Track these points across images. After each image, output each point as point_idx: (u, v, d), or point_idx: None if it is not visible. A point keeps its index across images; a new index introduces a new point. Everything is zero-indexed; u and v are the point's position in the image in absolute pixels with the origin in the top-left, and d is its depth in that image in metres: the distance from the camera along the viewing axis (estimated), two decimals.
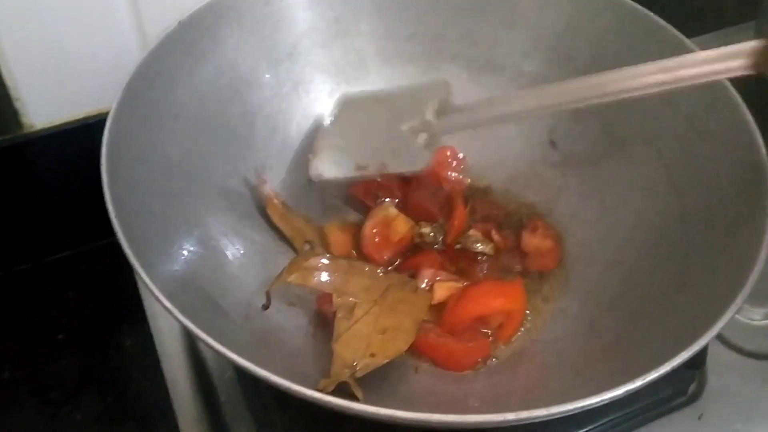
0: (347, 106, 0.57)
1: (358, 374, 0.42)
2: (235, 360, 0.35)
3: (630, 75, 0.44)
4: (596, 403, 0.34)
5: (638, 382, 0.34)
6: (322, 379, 0.42)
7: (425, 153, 0.51)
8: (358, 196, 0.55)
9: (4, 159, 0.59)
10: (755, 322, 0.54)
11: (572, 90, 0.46)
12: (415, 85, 0.58)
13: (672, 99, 0.51)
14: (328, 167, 0.54)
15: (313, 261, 0.48)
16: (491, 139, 0.59)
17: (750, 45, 0.41)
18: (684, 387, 0.50)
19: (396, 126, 0.53)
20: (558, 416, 0.34)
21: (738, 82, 0.48)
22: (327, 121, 0.57)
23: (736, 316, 0.53)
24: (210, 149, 0.52)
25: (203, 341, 0.36)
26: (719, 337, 0.53)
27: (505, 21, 0.58)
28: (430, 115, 0.52)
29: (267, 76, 0.57)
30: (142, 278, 0.38)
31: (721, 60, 0.42)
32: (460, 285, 0.50)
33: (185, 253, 0.46)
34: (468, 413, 0.33)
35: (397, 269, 0.53)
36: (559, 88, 0.47)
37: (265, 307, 0.45)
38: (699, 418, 0.49)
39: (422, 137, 0.52)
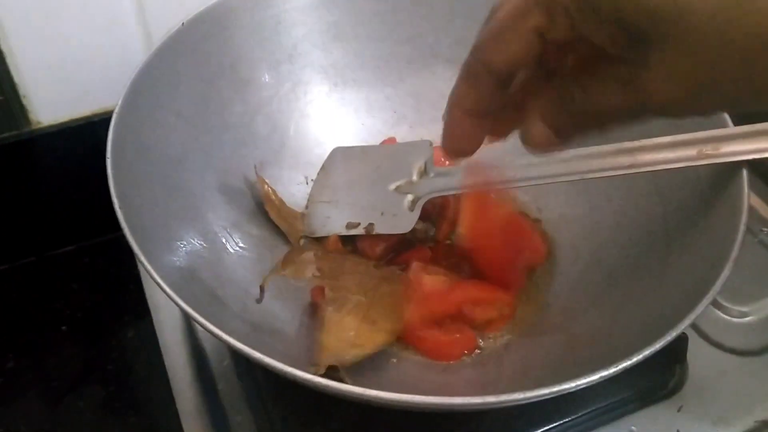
0: (338, 160, 0.58)
1: (347, 363, 0.42)
2: (232, 344, 0.36)
3: (597, 153, 0.47)
4: (572, 387, 0.35)
5: (611, 369, 0.35)
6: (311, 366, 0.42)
7: (410, 215, 0.53)
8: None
9: (10, 155, 0.60)
10: (736, 320, 0.55)
11: (545, 163, 0.48)
12: (401, 144, 0.60)
13: None
14: (321, 225, 0.55)
15: (306, 255, 0.49)
16: None
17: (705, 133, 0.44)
18: (665, 380, 0.51)
19: (384, 186, 0.55)
20: (536, 399, 0.35)
21: None
22: (319, 174, 0.58)
23: (719, 313, 0.55)
24: (211, 147, 0.53)
25: (203, 326, 0.37)
26: (700, 333, 0.54)
27: None
28: (415, 177, 0.54)
29: (267, 76, 0.58)
30: (145, 267, 0.39)
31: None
32: (448, 279, 0.51)
33: (186, 245, 0.47)
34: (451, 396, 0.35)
35: (388, 264, 0.54)
36: (532, 160, 0.49)
37: (259, 300, 0.46)
38: (678, 410, 0.50)
39: (408, 198, 0.54)
